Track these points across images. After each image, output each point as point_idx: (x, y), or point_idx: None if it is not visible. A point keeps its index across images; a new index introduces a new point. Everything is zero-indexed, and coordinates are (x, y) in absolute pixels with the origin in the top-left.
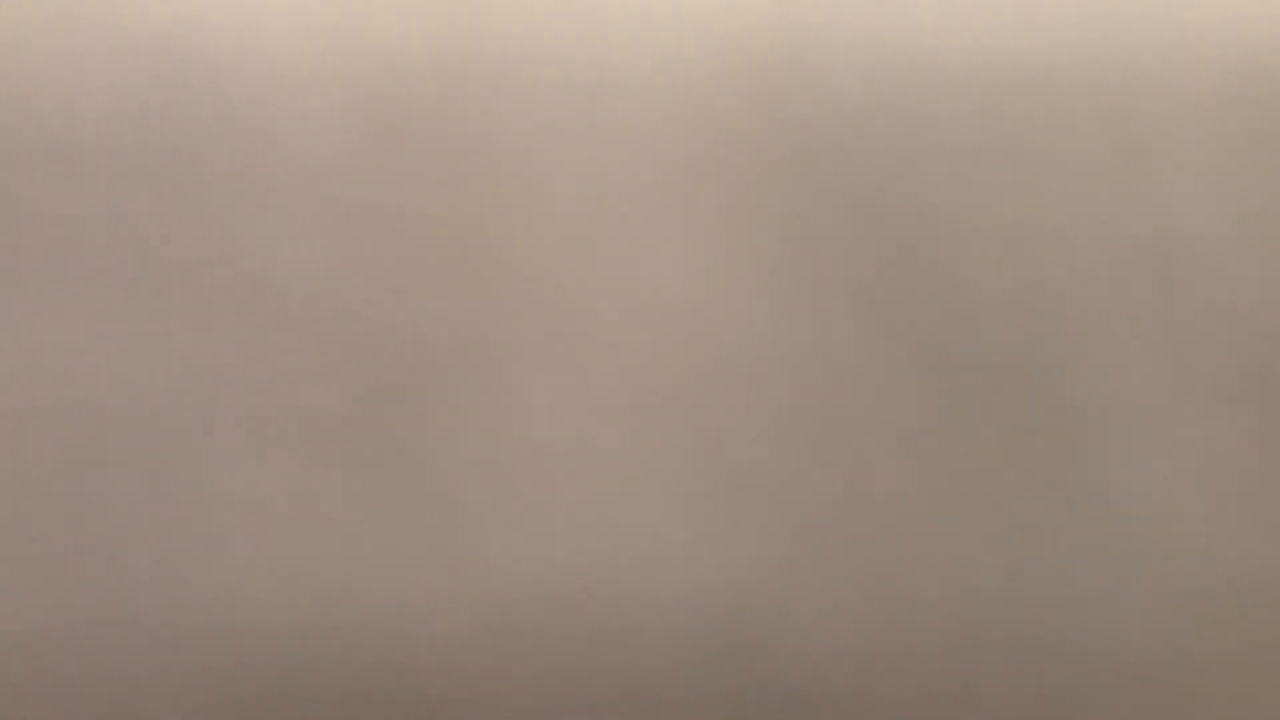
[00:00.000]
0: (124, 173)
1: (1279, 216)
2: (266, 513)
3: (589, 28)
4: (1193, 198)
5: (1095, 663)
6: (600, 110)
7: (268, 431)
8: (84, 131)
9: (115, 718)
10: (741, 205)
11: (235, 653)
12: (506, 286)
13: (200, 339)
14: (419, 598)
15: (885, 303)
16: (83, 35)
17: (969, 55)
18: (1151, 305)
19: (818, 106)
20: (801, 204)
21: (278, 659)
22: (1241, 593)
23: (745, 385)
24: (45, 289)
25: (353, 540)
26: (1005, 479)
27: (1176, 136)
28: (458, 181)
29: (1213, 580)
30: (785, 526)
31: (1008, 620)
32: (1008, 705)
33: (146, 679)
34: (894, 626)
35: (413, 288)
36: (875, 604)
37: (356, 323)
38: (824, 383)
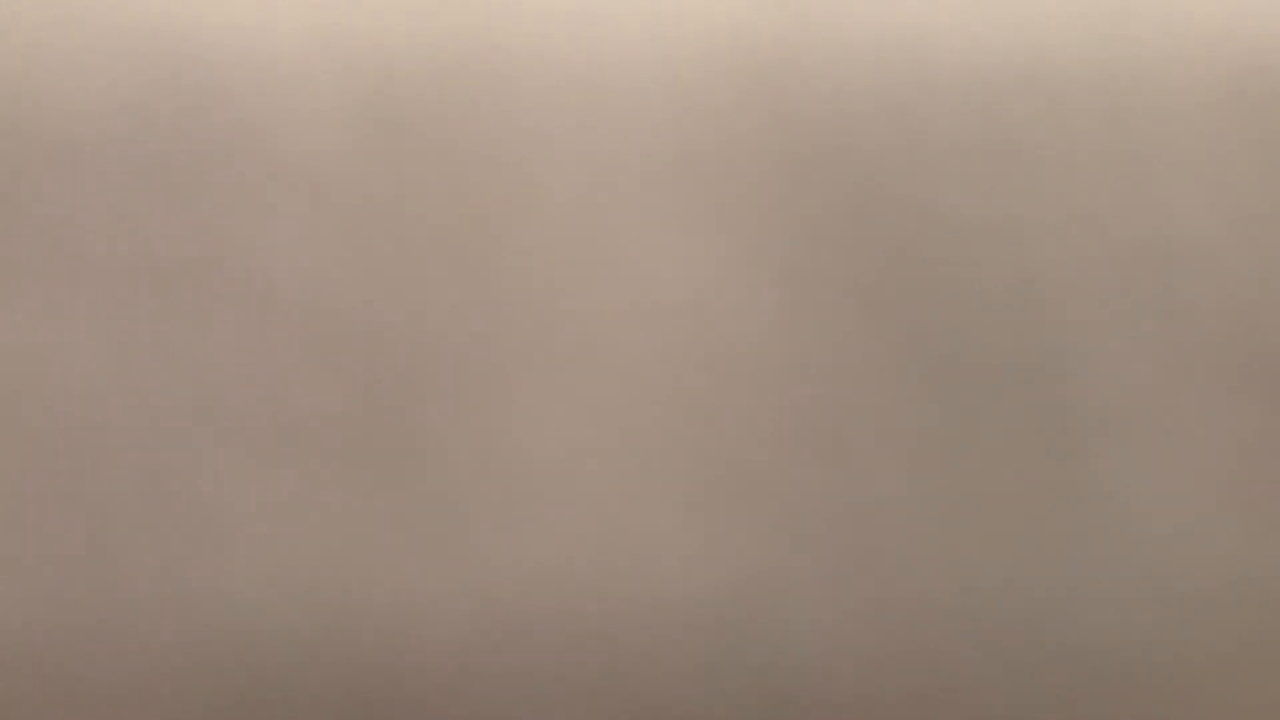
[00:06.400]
0: (124, 172)
1: (1278, 217)
2: (266, 513)
3: (589, 27)
4: (1192, 198)
5: (1095, 662)
6: (600, 110)
7: (267, 431)
8: (84, 131)
9: (117, 718)
10: (742, 205)
11: (234, 653)
12: (507, 286)
13: (200, 339)
14: (419, 598)
15: (886, 302)
16: (83, 35)
17: (969, 55)
18: (1151, 305)
19: (818, 105)
20: (802, 203)
21: (278, 659)
22: (1241, 592)
23: (746, 385)
24: (45, 289)
25: (353, 540)
26: (1005, 479)
27: (1176, 136)
28: (457, 181)
29: (1212, 580)
30: (785, 526)
31: (1008, 619)
32: (1007, 705)
33: (147, 680)
34: (894, 626)
35: (412, 287)
36: (875, 604)
37: (356, 322)
38: (824, 382)
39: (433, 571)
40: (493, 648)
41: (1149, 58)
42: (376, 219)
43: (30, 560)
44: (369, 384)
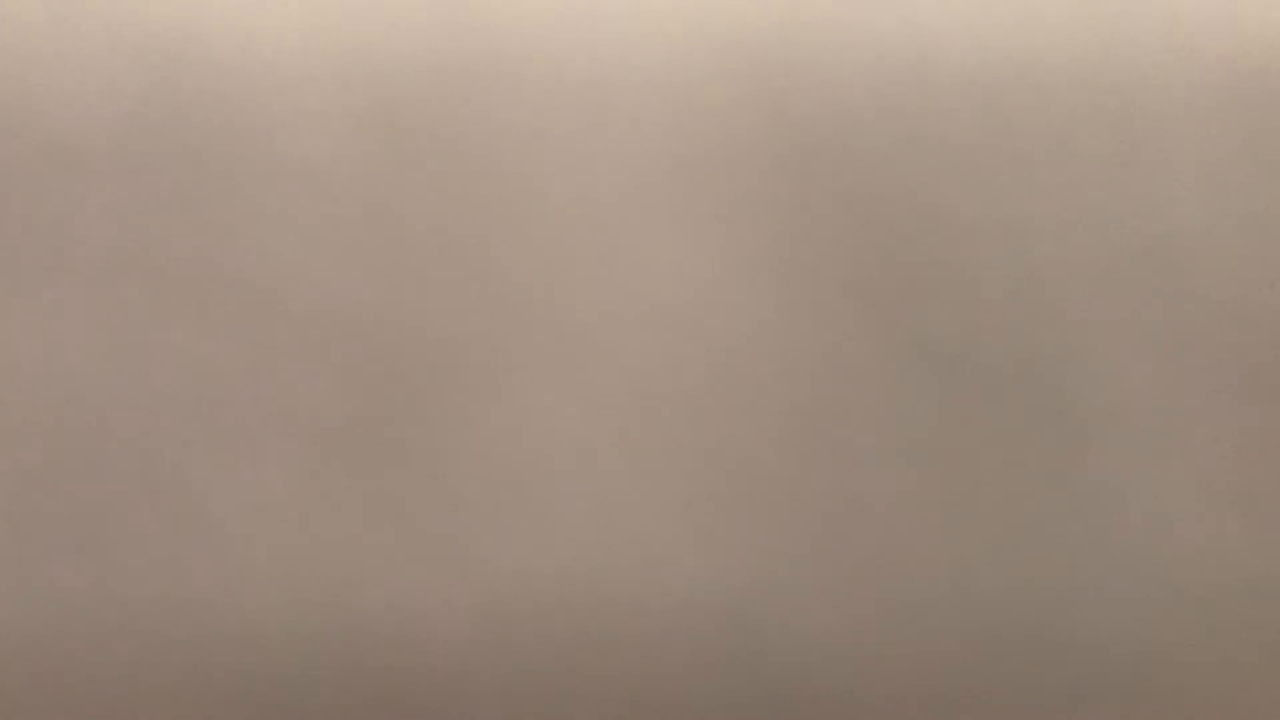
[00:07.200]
0: (124, 173)
1: (1278, 216)
2: (266, 513)
3: (588, 27)
4: (1192, 197)
5: (1095, 662)
6: (601, 111)
7: (267, 431)
8: (85, 132)
9: (116, 718)
10: (742, 204)
11: (234, 652)
12: (507, 286)
13: (200, 339)
14: (419, 598)
15: (885, 302)
16: (83, 35)
17: (969, 55)
18: (1151, 305)
19: (818, 105)
20: (802, 203)
21: (279, 659)
22: (1240, 592)
23: (746, 384)
24: (45, 289)
25: (353, 540)
26: (1006, 479)
27: (1176, 136)
28: (458, 181)
29: (1211, 580)
30: (786, 526)
31: (1008, 620)
32: (1008, 705)
33: (147, 679)
34: (894, 625)
35: (412, 287)
36: (875, 603)
37: (356, 322)
38: (824, 382)
39: (433, 571)
40: (493, 647)
41: (1149, 58)
42: (377, 220)
43: (30, 560)
44: (369, 384)
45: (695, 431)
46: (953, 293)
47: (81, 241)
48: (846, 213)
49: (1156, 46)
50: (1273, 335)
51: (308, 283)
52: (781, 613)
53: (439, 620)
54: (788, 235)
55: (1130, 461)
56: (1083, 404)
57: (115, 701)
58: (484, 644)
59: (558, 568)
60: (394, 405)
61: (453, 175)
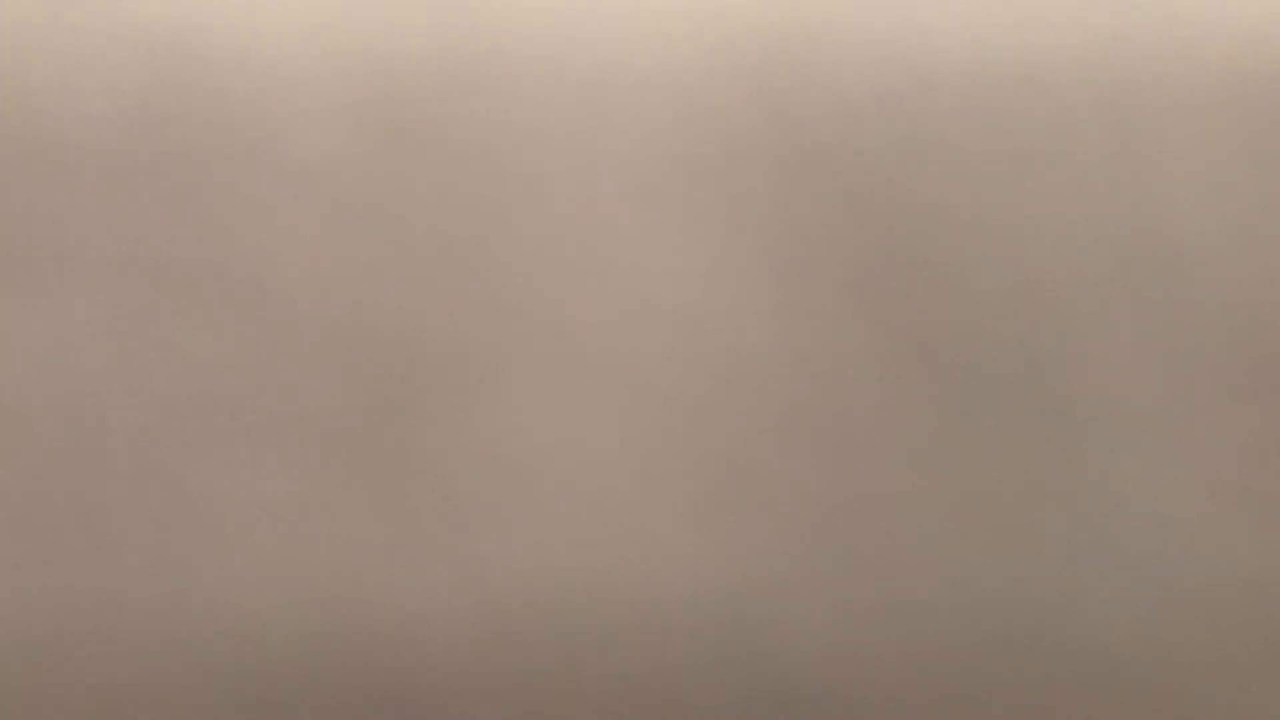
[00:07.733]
0: (124, 172)
1: (1278, 217)
2: (266, 512)
3: (589, 27)
4: (1192, 197)
5: (1095, 662)
6: (601, 111)
7: (268, 432)
8: (85, 131)
9: (117, 718)
10: (742, 205)
11: (234, 652)
12: (507, 287)
13: (200, 339)
14: (419, 598)
15: (886, 302)
16: (82, 35)
17: (969, 55)
18: (1152, 305)
19: (818, 105)
20: (802, 203)
21: (279, 659)
22: (1241, 593)
23: (746, 384)
24: (45, 289)
25: (354, 542)
26: (1006, 478)
27: (1176, 137)
28: (458, 181)
29: (1212, 580)
30: (785, 526)
31: (1008, 620)
32: (1008, 705)
33: (147, 679)
34: (894, 625)
35: (413, 287)
36: (875, 603)
37: (357, 322)
38: (824, 382)
39: (433, 571)
40: (493, 647)
41: (1149, 58)
42: (377, 219)
43: (31, 562)
44: (370, 384)
45: (695, 431)
46: (953, 293)
47: (81, 241)
48: (846, 213)
49: (1156, 46)
50: (1273, 335)
51: (308, 283)
52: (781, 613)
53: (439, 620)
54: (788, 235)
55: (1130, 461)
56: (1083, 404)
57: (116, 701)
58: (484, 644)
59: (558, 568)
60: (394, 405)
61: (453, 175)
